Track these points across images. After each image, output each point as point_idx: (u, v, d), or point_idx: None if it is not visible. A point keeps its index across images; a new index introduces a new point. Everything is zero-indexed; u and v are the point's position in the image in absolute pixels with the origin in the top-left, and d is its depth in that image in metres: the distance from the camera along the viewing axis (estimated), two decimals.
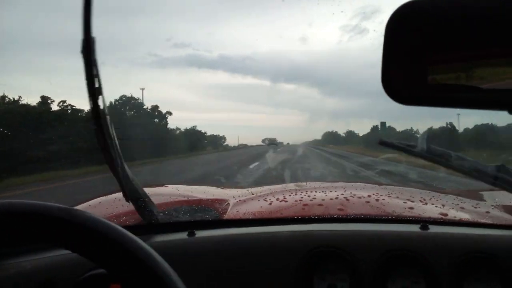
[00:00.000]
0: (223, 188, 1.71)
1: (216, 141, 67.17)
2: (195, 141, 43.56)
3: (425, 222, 1.05)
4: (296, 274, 0.95)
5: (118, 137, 0.86)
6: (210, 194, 1.55)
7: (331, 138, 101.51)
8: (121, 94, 35.77)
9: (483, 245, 0.97)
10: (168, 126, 40.25)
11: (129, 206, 1.05)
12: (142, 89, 47.95)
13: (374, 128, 52.59)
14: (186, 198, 1.42)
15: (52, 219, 0.52)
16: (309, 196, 1.32)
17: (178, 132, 43.99)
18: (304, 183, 1.67)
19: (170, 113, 39.41)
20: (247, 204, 1.29)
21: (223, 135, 73.08)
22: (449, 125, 35.11)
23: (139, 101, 36.30)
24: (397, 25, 0.51)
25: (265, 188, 1.57)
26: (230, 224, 1.13)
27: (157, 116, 37.80)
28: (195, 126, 48.60)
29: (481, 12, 0.47)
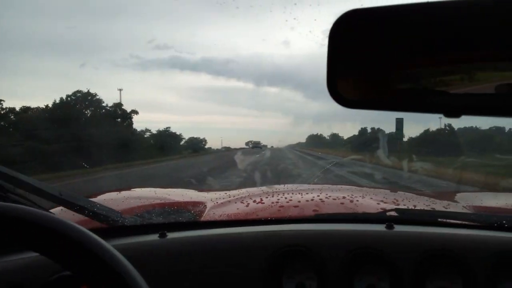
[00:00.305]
0: (201, 191, 1.80)
1: (196, 144, 63.21)
2: (168, 144, 39.82)
3: (390, 222, 1.08)
4: (264, 273, 0.97)
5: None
6: (187, 197, 1.64)
7: (315, 140, 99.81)
8: (76, 89, 31.84)
9: (447, 244, 0.99)
10: (135, 127, 36.73)
11: (118, 205, 1.23)
12: (120, 90, 43.03)
13: (362, 131, 50.04)
14: (161, 201, 1.45)
15: (19, 221, 0.53)
16: (285, 198, 1.37)
17: (148, 134, 40.47)
18: (282, 186, 1.78)
19: (135, 112, 35.66)
20: (224, 207, 1.33)
21: (204, 138, 68.96)
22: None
23: (97, 97, 32.46)
24: (342, 32, 0.52)
25: (243, 191, 1.63)
26: (203, 226, 1.15)
27: (120, 115, 33.90)
28: (169, 127, 44.86)
29: (423, 19, 0.49)
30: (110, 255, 0.53)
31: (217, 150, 70.37)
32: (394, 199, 1.42)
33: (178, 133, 46.45)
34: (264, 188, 1.72)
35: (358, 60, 0.53)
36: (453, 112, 0.51)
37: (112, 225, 1.08)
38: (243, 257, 1.00)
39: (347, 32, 0.52)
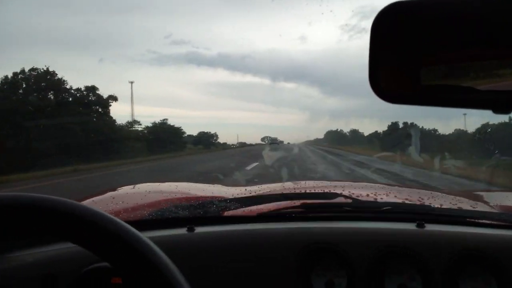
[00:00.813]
0: (221, 186, 1.78)
1: (207, 139, 57.71)
2: (164, 139, 34.43)
3: (421, 220, 1.06)
4: (293, 271, 0.97)
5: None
6: (209, 191, 1.59)
7: (334, 136, 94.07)
8: (31, 66, 24.55)
9: (480, 244, 0.98)
10: (118, 119, 30.74)
11: (130, 203, 1.29)
12: (131, 82, 38.78)
13: (393, 126, 43.82)
14: (184, 195, 1.49)
15: (56, 213, 0.54)
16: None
17: (140, 128, 34.64)
18: (303, 182, 1.76)
19: (114, 99, 28.47)
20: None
21: (215, 132, 62.53)
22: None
23: (57, 77, 24.95)
24: (384, 25, 0.52)
25: (264, 186, 1.63)
26: (229, 221, 1.15)
27: (94, 102, 26.51)
28: (166, 119, 38.69)
29: (473, 12, 0.48)
30: (148, 247, 0.54)
31: (233, 146, 65.94)
32: (419, 197, 1.38)
33: (177, 126, 39.60)
34: (285, 183, 1.70)
35: (401, 54, 0.52)
36: (502, 107, 0.51)
37: (139, 218, 1.12)
38: (272, 253, 1.00)
39: (389, 25, 0.51)
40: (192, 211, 1.20)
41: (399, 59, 0.52)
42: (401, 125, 41.79)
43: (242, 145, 76.69)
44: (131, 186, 1.73)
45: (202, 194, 1.53)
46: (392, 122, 44.82)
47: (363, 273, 0.95)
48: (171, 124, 38.55)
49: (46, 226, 0.55)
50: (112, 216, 0.56)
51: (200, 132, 58.25)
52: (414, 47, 0.51)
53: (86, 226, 0.54)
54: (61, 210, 0.54)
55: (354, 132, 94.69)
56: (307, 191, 1.44)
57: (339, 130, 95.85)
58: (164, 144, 32.67)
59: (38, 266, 0.94)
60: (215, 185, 1.81)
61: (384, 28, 0.51)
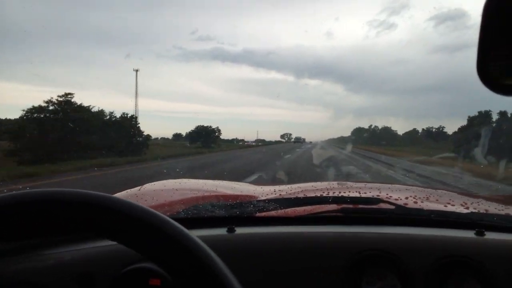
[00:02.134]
0: (248, 185, 1.72)
1: (207, 135, 46.06)
2: (122, 136, 23.95)
3: (480, 228, 1.01)
4: (342, 277, 0.92)
5: None
6: (237, 190, 1.56)
7: (361, 134, 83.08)
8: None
9: None
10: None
11: (162, 199, 1.25)
12: (136, 70, 33.13)
13: (475, 119, 31.98)
14: (220, 194, 1.43)
15: (102, 209, 0.52)
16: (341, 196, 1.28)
17: (107, 116, 25.31)
18: (334, 182, 1.64)
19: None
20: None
21: (217, 127, 49.71)
22: None
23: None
24: (498, 6, 0.46)
25: (295, 186, 1.55)
26: (269, 222, 1.10)
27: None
28: (128, 114, 27.46)
29: None
30: (200, 248, 0.52)
31: (248, 145, 56.17)
32: (463, 202, 1.28)
33: (133, 115, 28.20)
34: (316, 184, 1.57)
35: None
36: None
37: (175, 216, 1.07)
38: (319, 258, 0.95)
39: (505, 7, 0.46)
40: (229, 210, 1.14)
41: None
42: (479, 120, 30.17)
43: (258, 143, 66.79)
44: (159, 182, 1.65)
45: (234, 192, 1.48)
46: (469, 116, 33.88)
47: (420, 283, 0.90)
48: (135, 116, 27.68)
49: (90, 223, 0.51)
50: (162, 215, 0.53)
51: (199, 126, 46.99)
52: None
53: (134, 224, 0.51)
54: (106, 206, 0.52)
55: (386, 130, 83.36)
56: (345, 192, 1.32)
57: (373, 127, 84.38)
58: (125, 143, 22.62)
59: (76, 264, 0.91)
60: (241, 183, 1.76)
61: (498, 10, 0.46)
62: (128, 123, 25.68)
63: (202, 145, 40.96)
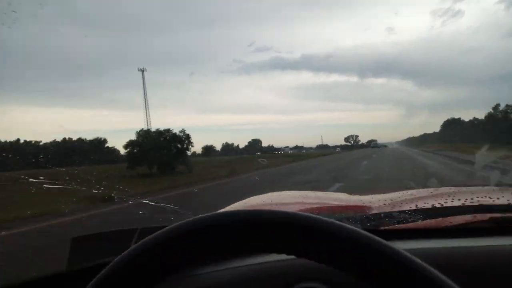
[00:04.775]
0: (349, 196, 1.59)
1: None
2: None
3: None
4: None
5: None
6: (344, 201, 1.49)
7: (457, 132, 73.73)
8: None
9: None
10: None
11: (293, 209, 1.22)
12: (142, 70, 35.55)
13: None
14: (331, 205, 1.42)
15: (315, 231, 0.49)
16: (445, 203, 1.16)
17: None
18: (447, 188, 1.47)
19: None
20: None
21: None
22: None
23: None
24: None
25: (404, 193, 1.43)
26: (415, 235, 1.00)
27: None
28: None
29: None
30: (409, 260, 0.46)
31: (306, 153, 56.68)
32: None
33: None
34: (422, 190, 1.45)
35: None
36: None
37: None
38: (489, 275, 0.83)
39: None
40: (364, 223, 1.06)
41: None
42: None
43: (322, 148, 69.05)
44: (263, 196, 1.61)
45: (342, 203, 1.43)
46: None
47: None
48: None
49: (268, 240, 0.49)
50: (363, 231, 0.49)
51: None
52: None
53: (342, 242, 0.48)
54: (296, 223, 0.49)
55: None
56: (483, 198, 1.21)
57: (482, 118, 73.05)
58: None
59: (236, 284, 0.86)
60: (341, 193, 1.68)
61: None
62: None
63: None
